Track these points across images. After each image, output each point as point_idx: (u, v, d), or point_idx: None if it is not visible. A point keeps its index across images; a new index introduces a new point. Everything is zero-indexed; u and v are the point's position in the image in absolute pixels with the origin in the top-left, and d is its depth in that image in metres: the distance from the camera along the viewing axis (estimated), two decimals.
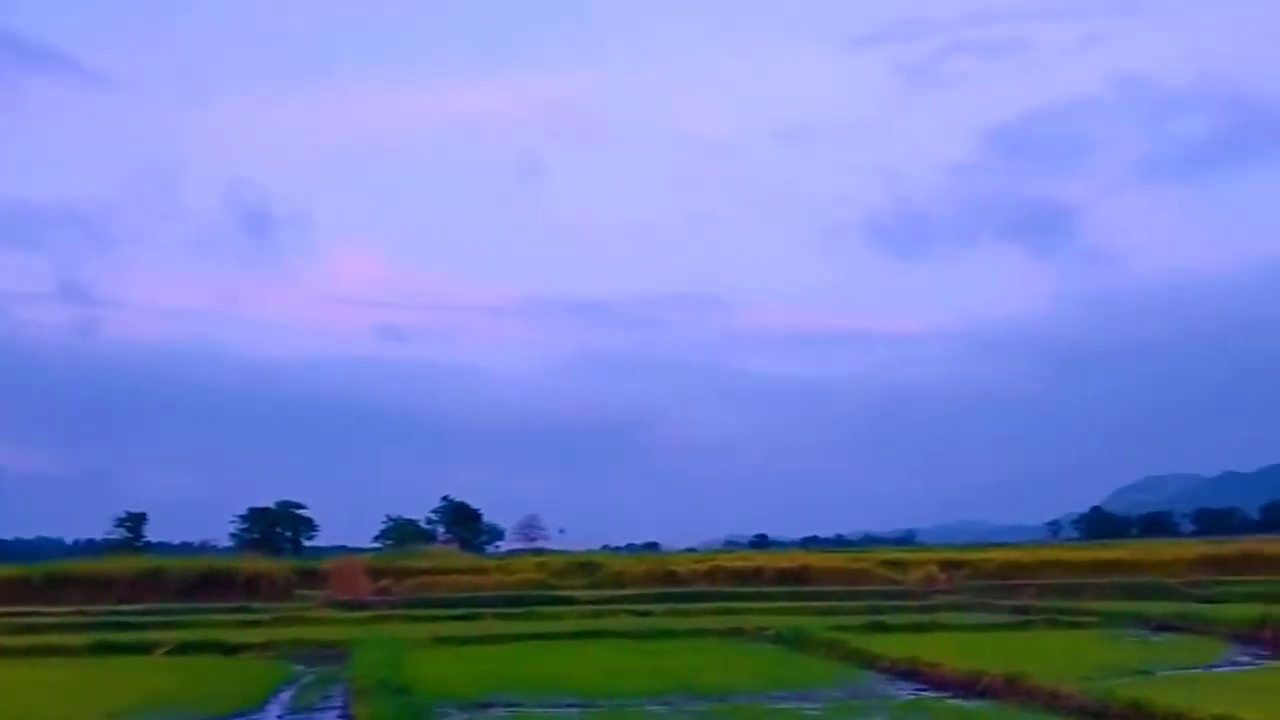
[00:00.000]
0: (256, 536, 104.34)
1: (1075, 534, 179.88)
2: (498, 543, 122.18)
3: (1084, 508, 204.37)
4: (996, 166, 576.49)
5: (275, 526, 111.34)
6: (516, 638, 26.30)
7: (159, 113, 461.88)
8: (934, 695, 17.01)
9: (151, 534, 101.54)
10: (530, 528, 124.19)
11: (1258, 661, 21.01)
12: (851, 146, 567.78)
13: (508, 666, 20.69)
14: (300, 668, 21.98)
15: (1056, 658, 20.24)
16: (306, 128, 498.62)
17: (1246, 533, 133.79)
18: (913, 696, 16.97)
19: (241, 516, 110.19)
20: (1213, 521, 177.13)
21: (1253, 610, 25.78)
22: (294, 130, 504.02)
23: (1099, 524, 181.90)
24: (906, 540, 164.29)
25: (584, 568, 53.70)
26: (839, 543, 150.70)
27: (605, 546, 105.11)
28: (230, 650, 25.21)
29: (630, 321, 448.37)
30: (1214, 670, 19.60)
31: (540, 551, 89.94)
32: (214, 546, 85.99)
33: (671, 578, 49.75)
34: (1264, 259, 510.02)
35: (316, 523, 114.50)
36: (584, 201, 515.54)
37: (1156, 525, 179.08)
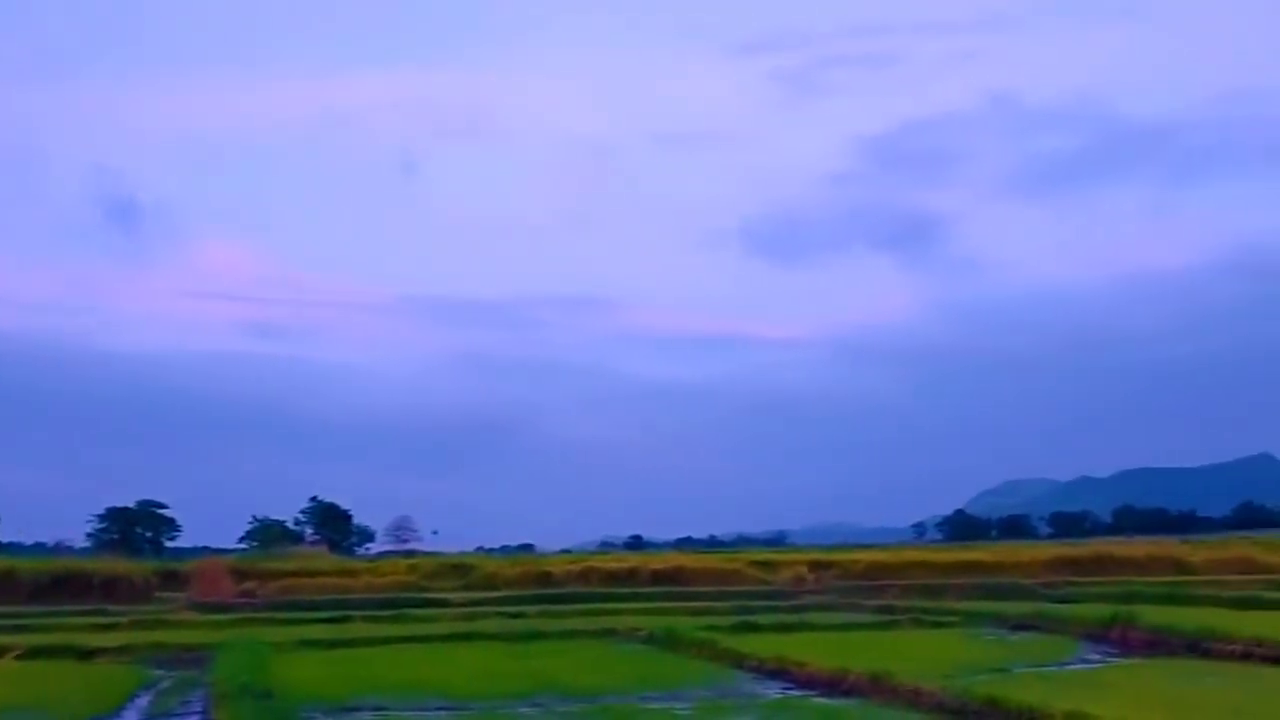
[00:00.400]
0: (115, 537, 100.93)
1: (939, 536, 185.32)
2: (368, 544, 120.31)
3: (947, 510, 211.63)
4: (871, 176, 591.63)
5: (135, 526, 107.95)
6: (386, 641, 25.89)
7: (14, 94, 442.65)
8: (801, 694, 17.31)
9: (2, 534, 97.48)
10: (402, 529, 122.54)
11: (1107, 659, 21.86)
12: (730, 152, 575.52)
13: (376, 670, 20.39)
14: (159, 672, 21.31)
15: (919, 656, 20.74)
16: (174, 115, 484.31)
17: (1098, 535, 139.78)
18: (780, 695, 17.23)
19: (99, 516, 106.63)
20: (1067, 524, 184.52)
21: (1103, 610, 26.73)
22: (161, 118, 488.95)
23: (961, 526, 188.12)
24: (778, 541, 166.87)
25: (457, 569, 53.12)
26: (712, 543, 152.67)
27: (479, 548, 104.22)
28: (85, 655, 24.28)
29: (506, 321, 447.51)
30: (1066, 668, 20.30)
31: (412, 553, 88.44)
32: (70, 547, 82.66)
33: (546, 579, 49.52)
34: (1122, 274, 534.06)
35: (179, 523, 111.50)
36: (462, 200, 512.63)
37: (1015, 528, 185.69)
